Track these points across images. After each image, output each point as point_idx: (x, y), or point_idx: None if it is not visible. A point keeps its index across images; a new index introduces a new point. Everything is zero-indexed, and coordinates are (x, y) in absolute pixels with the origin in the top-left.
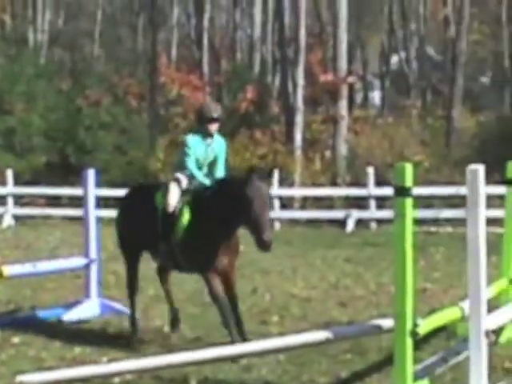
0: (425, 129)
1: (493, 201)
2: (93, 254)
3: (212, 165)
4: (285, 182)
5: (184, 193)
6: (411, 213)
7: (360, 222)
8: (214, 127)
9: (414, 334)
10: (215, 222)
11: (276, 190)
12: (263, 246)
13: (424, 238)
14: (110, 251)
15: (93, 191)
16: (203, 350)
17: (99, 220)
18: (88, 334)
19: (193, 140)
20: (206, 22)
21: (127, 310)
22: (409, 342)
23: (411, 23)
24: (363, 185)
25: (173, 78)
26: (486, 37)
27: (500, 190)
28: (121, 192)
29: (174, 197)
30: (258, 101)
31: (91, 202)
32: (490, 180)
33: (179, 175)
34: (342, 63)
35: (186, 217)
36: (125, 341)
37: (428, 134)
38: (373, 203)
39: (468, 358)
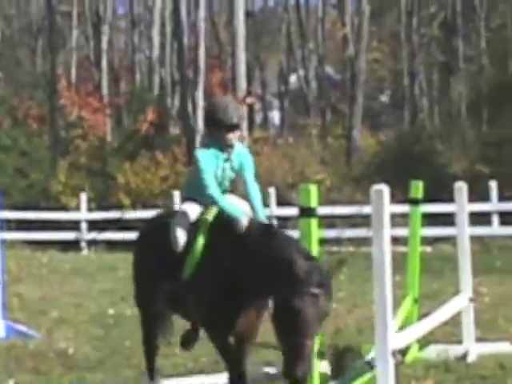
0: (325, 148)
1: (394, 219)
2: None
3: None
4: None
5: (198, 221)
6: (316, 233)
7: None
8: (234, 136)
9: (321, 354)
10: (241, 268)
11: None
12: (290, 377)
13: (327, 257)
14: (13, 273)
15: None
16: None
17: (2, 242)
18: None
19: (206, 157)
20: (104, 44)
21: (32, 333)
22: (316, 363)
23: (310, 43)
24: (265, 205)
25: (72, 101)
26: (385, 55)
27: (402, 208)
28: (23, 215)
29: (181, 233)
30: (158, 122)
31: None
32: (391, 199)
33: (187, 207)
34: (241, 83)
35: (198, 251)
36: (30, 363)
37: (328, 154)
38: (274, 223)
39: (374, 379)
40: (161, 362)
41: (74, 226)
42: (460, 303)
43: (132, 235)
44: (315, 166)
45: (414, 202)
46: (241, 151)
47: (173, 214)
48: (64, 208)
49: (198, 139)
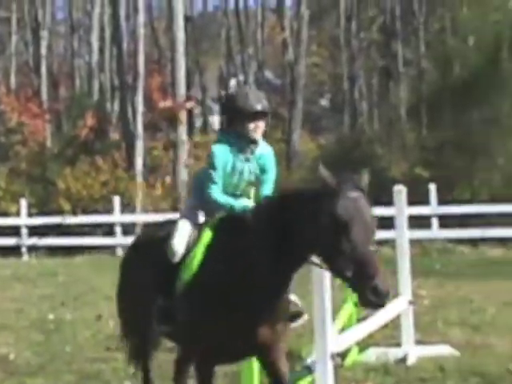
0: None
1: None
2: None
3: (251, 186)
4: (126, 208)
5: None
6: None
7: None
8: (256, 128)
9: None
10: (254, 263)
11: (118, 216)
12: (375, 299)
13: None
14: None
15: None
16: None
17: None
18: None
19: (223, 154)
20: (43, 50)
21: None
22: (255, 366)
23: (249, 47)
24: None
25: (12, 106)
26: (325, 59)
27: None
28: None
29: (181, 241)
30: (97, 127)
31: None
32: None
33: (191, 215)
34: (181, 89)
35: (199, 253)
36: None
37: None
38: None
39: (314, 382)
40: (101, 366)
41: (14, 231)
42: (399, 306)
43: (72, 240)
44: None
45: None
46: (265, 152)
47: (168, 224)
48: (4, 214)
49: (138, 144)
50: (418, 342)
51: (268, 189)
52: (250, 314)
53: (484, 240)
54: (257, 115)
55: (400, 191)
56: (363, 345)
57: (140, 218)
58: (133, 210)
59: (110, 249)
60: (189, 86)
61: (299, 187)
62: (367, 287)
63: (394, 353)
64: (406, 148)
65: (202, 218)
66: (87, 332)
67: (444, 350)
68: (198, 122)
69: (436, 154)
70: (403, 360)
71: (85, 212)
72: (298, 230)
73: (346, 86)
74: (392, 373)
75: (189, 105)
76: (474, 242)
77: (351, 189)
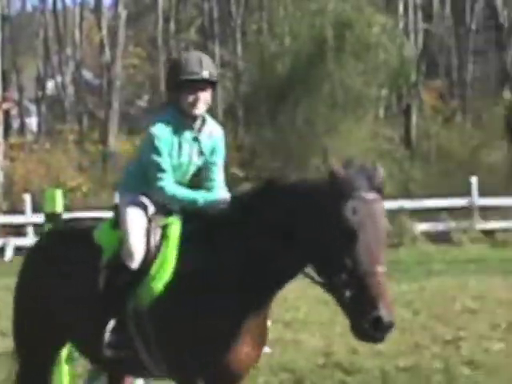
0: (82, 154)
1: None
2: None
3: (198, 176)
4: None
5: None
6: None
7: (19, 250)
8: (197, 100)
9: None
10: (236, 276)
11: None
12: (374, 333)
13: None
14: None
15: None
16: None
17: None
18: None
19: (165, 134)
20: None
21: None
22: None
23: (67, 47)
24: (20, 212)
25: None
26: (143, 60)
27: None
28: None
29: (137, 240)
30: None
31: None
32: None
33: (138, 199)
34: None
35: (167, 260)
36: None
37: (86, 159)
38: (31, 230)
39: None
40: None
41: None
42: None
43: None
44: (71, 172)
45: None
46: (215, 131)
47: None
48: None
49: None
50: None
51: (216, 173)
52: (230, 336)
53: None
54: (196, 84)
55: None
56: None
57: None
58: None
59: None
60: (5, 87)
61: (292, 179)
62: (366, 317)
63: None
64: None
65: (151, 210)
66: None
67: None
68: (15, 124)
69: (252, 154)
70: None
71: None
72: (291, 232)
73: (164, 87)
74: None
75: (5, 105)
76: None
77: (366, 188)
